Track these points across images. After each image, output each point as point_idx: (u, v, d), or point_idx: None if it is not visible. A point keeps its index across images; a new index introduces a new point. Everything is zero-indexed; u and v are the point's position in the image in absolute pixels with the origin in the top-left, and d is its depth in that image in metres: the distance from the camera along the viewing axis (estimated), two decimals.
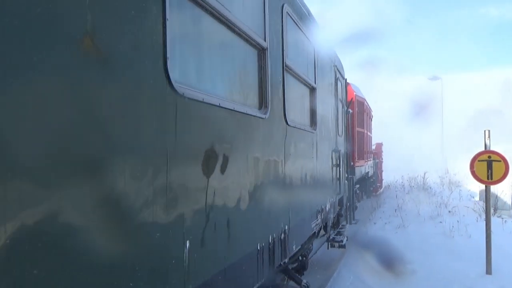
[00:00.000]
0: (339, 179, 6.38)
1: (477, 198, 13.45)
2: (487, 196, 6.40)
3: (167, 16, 1.67)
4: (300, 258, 4.65)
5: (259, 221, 2.81)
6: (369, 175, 13.95)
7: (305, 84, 4.36)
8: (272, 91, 3.05)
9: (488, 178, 6.23)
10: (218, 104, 2.13)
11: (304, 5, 4.28)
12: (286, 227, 3.40)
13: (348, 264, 6.43)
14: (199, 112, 1.95)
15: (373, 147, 16.29)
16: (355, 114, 10.14)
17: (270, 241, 2.99)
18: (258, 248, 2.74)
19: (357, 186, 10.76)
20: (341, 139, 6.82)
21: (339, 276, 5.91)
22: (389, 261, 6.00)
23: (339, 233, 6.79)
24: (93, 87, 1.32)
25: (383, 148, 18.79)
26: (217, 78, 2.42)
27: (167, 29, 1.67)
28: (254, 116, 2.71)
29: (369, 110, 14.03)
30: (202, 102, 1.95)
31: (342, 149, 6.80)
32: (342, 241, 6.47)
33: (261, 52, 2.90)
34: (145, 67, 1.55)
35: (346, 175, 7.65)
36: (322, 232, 5.47)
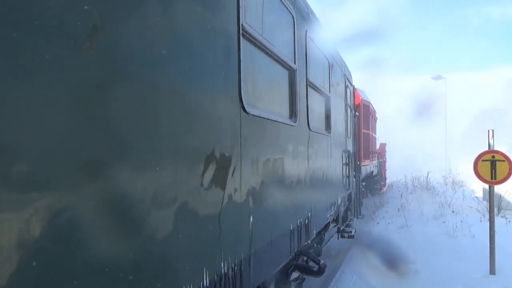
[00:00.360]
0: (348, 176, 7.06)
1: (478, 194, 13.36)
2: (490, 196, 6.38)
3: (241, 59, 2.43)
4: (315, 245, 5.31)
5: (292, 208, 3.59)
6: (374, 174, 14.73)
7: (321, 95, 5.04)
8: (299, 103, 3.78)
9: (492, 178, 6.21)
10: (267, 117, 2.91)
11: (320, 26, 4.97)
12: (309, 214, 4.16)
13: (352, 264, 6.43)
14: (257, 124, 2.76)
15: (377, 147, 16.92)
16: (361, 117, 10.85)
17: (298, 224, 3.73)
18: (291, 228, 3.52)
19: (363, 183, 11.35)
20: (350, 141, 7.54)
21: (342, 276, 5.92)
22: (392, 261, 6.00)
23: (347, 225, 7.44)
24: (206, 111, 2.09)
25: (387, 148, 19.43)
26: (265, 97, 3.23)
27: (241, 68, 2.43)
28: (288, 124, 3.46)
29: (374, 112, 14.81)
30: (259, 117, 2.72)
31: (351, 149, 7.51)
32: (351, 232, 7.16)
33: (292, 72, 3.66)
34: (230, 95, 2.34)
35: (354, 173, 8.22)
36: (332, 224, 6.08)
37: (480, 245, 6.96)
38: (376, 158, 15.37)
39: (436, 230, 8.70)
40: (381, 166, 17.47)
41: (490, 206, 6.37)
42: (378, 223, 9.84)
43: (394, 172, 20.44)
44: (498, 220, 8.14)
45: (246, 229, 2.54)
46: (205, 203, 2.02)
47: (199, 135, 1.98)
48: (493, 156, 6.21)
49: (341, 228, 6.99)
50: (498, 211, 10.04)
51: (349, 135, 7.34)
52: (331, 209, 5.39)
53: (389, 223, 9.58)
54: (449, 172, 24.74)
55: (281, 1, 3.32)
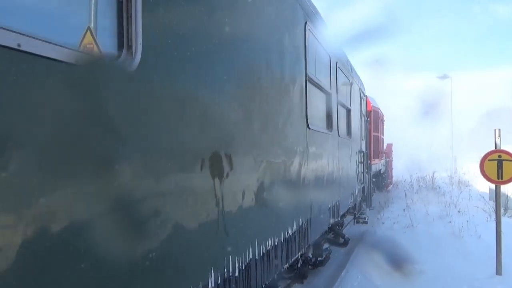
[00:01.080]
0: (362, 172, 8.64)
1: (485, 194, 13.25)
2: (497, 196, 6.32)
3: (307, 90, 3.96)
4: (337, 227, 6.79)
5: (329, 193, 5.25)
6: (382, 172, 16.27)
7: (345, 108, 6.58)
8: (333, 117, 5.30)
9: (498, 178, 6.16)
10: (318, 130, 4.43)
11: (345, 56, 6.63)
12: (339, 199, 5.75)
13: (356, 264, 6.41)
14: (315, 135, 4.20)
15: (384, 147, 18.23)
16: (372, 121, 12.42)
17: (332, 205, 5.33)
18: (329, 206, 5.15)
19: (373, 180, 12.84)
20: (363, 143, 9.08)
21: (347, 276, 5.89)
22: (397, 261, 5.96)
23: (361, 213, 9.11)
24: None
25: (393, 148, 20.88)
26: (316, 115, 4.58)
27: (307, 98, 3.89)
28: (327, 133, 5.01)
29: (382, 116, 16.49)
30: (315, 130, 4.15)
31: (364, 150, 9.03)
32: (365, 218, 9.04)
33: (329, 96, 5.20)
34: (299, 116, 3.70)
35: (366, 170, 9.61)
36: (349, 215, 7.74)
37: (486, 246, 6.91)
38: (383, 158, 16.80)
39: (442, 230, 8.64)
40: (388, 165, 18.89)
41: (496, 206, 6.31)
42: (383, 223, 9.79)
43: (400, 172, 20.43)
44: (504, 220, 8.06)
45: (308, 203, 4.10)
46: (294, 184, 3.61)
47: (290, 142, 3.46)
48: (499, 156, 6.15)
49: (357, 215, 8.54)
50: (504, 211, 9.95)
51: (363, 138, 8.89)
52: (351, 197, 7.07)
53: (394, 223, 9.53)
54: (455, 171, 24.58)
55: (322, 46, 4.80)
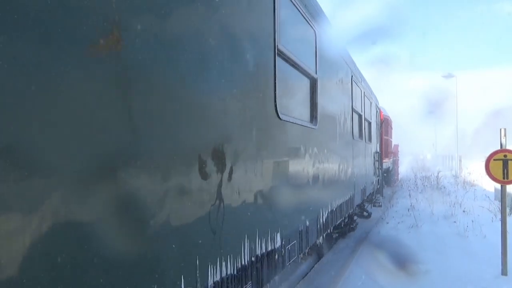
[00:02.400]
0: (378, 168, 11.50)
1: (490, 194, 13.17)
2: (503, 196, 6.29)
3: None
4: (363, 205, 9.64)
5: (362, 180, 7.55)
6: (390, 169, 18.98)
7: (368, 122, 8.90)
8: (363, 129, 7.53)
9: (504, 178, 6.12)
10: (358, 139, 6.82)
11: (360, 74, 7.73)
12: (365, 184, 8.13)
13: (361, 264, 6.39)
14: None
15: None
16: (383, 127, 14.92)
17: (363, 188, 7.55)
18: (362, 188, 7.36)
19: (384, 175, 16.00)
20: (378, 145, 11.83)
21: (351, 276, 5.88)
22: (401, 261, 5.94)
23: (376, 200, 11.89)
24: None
25: (399, 149, 24.15)
26: (357, 130, 6.29)
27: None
28: (361, 141, 6.81)
29: (391, 122, 19.60)
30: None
31: (378, 151, 11.65)
32: (380, 203, 12.05)
33: (361, 116, 7.42)
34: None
35: (379, 167, 12.32)
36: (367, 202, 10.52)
37: (492, 246, 6.87)
38: (391, 157, 19.52)
39: (447, 230, 8.60)
40: (395, 163, 21.81)
41: (502, 206, 6.27)
42: (387, 223, 9.76)
43: (405, 170, 20.49)
44: (510, 220, 8.01)
45: (352, 184, 6.16)
46: (346, 173, 5.54)
47: (343, 149, 5.26)
48: (505, 155, 6.11)
49: (373, 201, 11.43)
50: (510, 211, 9.89)
51: (377, 141, 11.75)
52: (372, 185, 9.80)
53: (398, 223, 9.49)
54: (460, 171, 24.42)
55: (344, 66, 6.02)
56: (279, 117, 2.92)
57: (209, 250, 1.94)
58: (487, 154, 6.33)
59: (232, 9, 2.28)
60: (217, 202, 2.03)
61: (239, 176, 2.30)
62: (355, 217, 8.30)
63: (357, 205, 7.45)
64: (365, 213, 9.89)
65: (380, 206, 11.86)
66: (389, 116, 18.41)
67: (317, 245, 4.83)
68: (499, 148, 6.22)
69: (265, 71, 2.74)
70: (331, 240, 7.18)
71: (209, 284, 1.91)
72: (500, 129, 6.25)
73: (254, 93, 2.55)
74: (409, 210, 10.72)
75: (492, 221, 9.13)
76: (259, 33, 2.65)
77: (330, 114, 4.76)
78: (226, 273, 2.08)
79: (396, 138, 23.07)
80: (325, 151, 4.45)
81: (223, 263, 2.04)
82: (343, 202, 5.57)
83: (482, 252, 6.84)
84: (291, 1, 3.30)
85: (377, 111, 11.62)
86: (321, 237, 4.50)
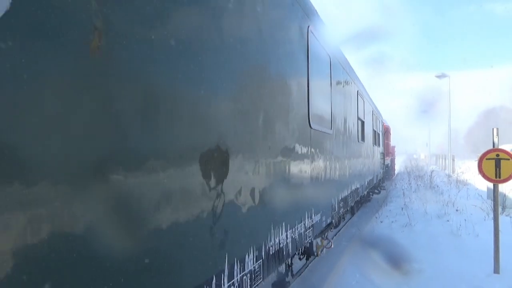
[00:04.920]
0: (382, 164, 16.23)
1: (483, 193, 13.28)
2: (495, 194, 6.34)
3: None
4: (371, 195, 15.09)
5: (377, 169, 14.03)
6: (389, 166, 23.33)
7: (377, 132, 13.17)
8: (375, 138, 12.55)
9: (496, 177, 6.18)
10: (370, 145, 11.11)
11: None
12: (378, 173, 14.45)
13: (355, 262, 6.42)
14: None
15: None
16: (385, 134, 18.56)
17: (373, 178, 12.59)
18: (376, 175, 13.62)
19: (386, 169, 20.57)
20: (382, 148, 15.92)
21: (345, 274, 5.90)
22: (395, 260, 5.98)
23: (381, 187, 17.09)
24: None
25: (395, 150, 28.94)
26: (369, 138, 10.69)
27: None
28: (375, 146, 12.53)
29: (390, 129, 23.96)
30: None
31: (382, 152, 15.86)
32: (384, 188, 17.82)
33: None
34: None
35: (383, 163, 16.75)
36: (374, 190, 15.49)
37: (484, 244, 6.93)
38: (390, 156, 23.94)
39: (440, 229, 8.65)
40: (392, 161, 27.03)
41: (494, 205, 6.33)
42: (381, 222, 9.81)
43: (399, 169, 20.67)
44: (502, 218, 8.09)
45: (372, 171, 11.79)
46: (368, 164, 10.78)
47: (368, 150, 10.46)
48: (497, 155, 6.16)
49: (378, 187, 16.08)
50: (502, 209, 9.98)
51: (381, 145, 15.85)
52: (380, 174, 15.36)
53: (392, 222, 9.55)
54: (453, 170, 24.58)
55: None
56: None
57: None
58: (480, 154, 6.39)
59: (285, 52, 3.41)
60: (303, 188, 3.84)
61: (297, 171, 3.62)
62: (370, 194, 14.81)
63: (372, 186, 12.78)
64: (376, 191, 16.02)
65: (384, 189, 17.91)
66: (389, 126, 23.69)
67: (352, 207, 9.53)
68: (491, 147, 6.28)
69: (302, 95, 3.86)
70: (358, 205, 11.57)
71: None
72: (493, 129, 6.30)
73: (296, 111, 3.61)
74: (402, 209, 10.78)
75: (485, 220, 9.21)
76: (300, 71, 3.88)
77: (366, 134, 9.57)
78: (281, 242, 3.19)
79: (392, 137, 26.65)
80: (361, 153, 8.71)
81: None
82: (369, 180, 11.14)
83: (474, 250, 6.89)
84: (318, 41, 4.50)
85: (382, 124, 16.19)
86: (354, 202, 8.22)
